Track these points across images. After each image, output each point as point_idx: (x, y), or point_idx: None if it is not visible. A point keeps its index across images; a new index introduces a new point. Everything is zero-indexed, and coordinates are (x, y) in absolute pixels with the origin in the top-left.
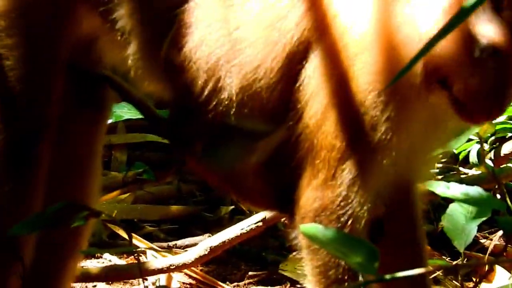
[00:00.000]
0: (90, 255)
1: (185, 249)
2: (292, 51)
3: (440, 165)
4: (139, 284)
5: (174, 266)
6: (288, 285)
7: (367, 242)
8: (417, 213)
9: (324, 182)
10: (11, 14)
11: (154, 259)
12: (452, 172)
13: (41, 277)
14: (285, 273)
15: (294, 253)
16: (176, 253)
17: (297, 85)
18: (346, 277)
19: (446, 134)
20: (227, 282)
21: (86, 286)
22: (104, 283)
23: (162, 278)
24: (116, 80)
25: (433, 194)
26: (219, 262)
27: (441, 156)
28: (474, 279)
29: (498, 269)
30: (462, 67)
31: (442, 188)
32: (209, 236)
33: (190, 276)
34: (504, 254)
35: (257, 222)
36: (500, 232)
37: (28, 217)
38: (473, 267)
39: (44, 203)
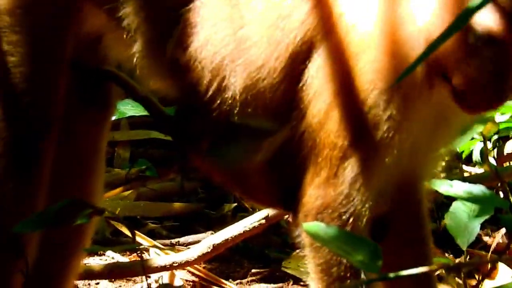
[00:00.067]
0: (93, 253)
1: (188, 247)
2: (295, 51)
3: (443, 163)
4: (142, 281)
5: (177, 264)
6: (291, 282)
7: (370, 240)
8: (423, 212)
9: (326, 180)
10: (16, 10)
11: (157, 256)
12: (455, 170)
13: (44, 275)
14: (288, 271)
15: (297, 251)
16: (179, 251)
17: (300, 85)
18: (348, 275)
19: (451, 132)
20: (230, 280)
21: (89, 284)
22: (107, 280)
23: (165, 276)
24: (122, 77)
25: (436, 192)
26: (222, 260)
27: (445, 154)
28: (477, 277)
29: (501, 266)
30: (459, 56)
31: (445, 186)
32: (212, 233)
33: (193, 274)
34: (507, 252)
35: (260, 220)
36: (503, 230)
37: (32, 215)
38: (476, 265)
39: (48, 201)
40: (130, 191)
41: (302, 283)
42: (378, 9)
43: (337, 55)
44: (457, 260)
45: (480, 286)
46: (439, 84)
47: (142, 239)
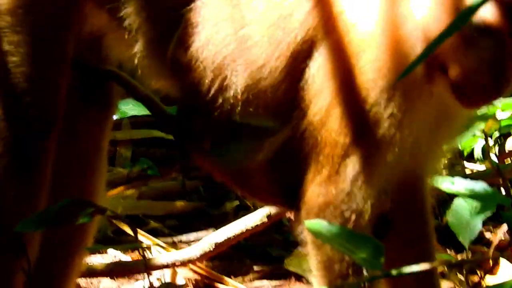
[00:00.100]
0: (95, 251)
1: (190, 245)
2: (297, 50)
3: (445, 160)
4: (144, 279)
5: (179, 262)
6: (293, 280)
7: (372, 237)
8: (427, 209)
9: (328, 178)
10: (17, 10)
11: (159, 254)
12: (457, 167)
13: (46, 274)
14: (290, 268)
15: (299, 248)
16: (181, 249)
17: (302, 83)
18: (350, 272)
19: (453, 129)
20: (232, 277)
21: (91, 282)
22: (109, 278)
23: (167, 274)
24: (123, 76)
25: (438, 189)
26: (224, 258)
27: (447, 151)
28: (479, 273)
29: (503, 263)
30: (456, 47)
31: (447, 184)
32: (214, 231)
33: (195, 272)
34: (509, 248)
35: (262, 218)
36: (505, 227)
37: (33, 214)
38: (478, 262)
39: (50, 201)
40: (132, 190)
41: (304, 281)
42: (378, 7)
43: (338, 54)
44: (459, 257)
45: (482, 282)
46: (438, 78)
47: (144, 238)
